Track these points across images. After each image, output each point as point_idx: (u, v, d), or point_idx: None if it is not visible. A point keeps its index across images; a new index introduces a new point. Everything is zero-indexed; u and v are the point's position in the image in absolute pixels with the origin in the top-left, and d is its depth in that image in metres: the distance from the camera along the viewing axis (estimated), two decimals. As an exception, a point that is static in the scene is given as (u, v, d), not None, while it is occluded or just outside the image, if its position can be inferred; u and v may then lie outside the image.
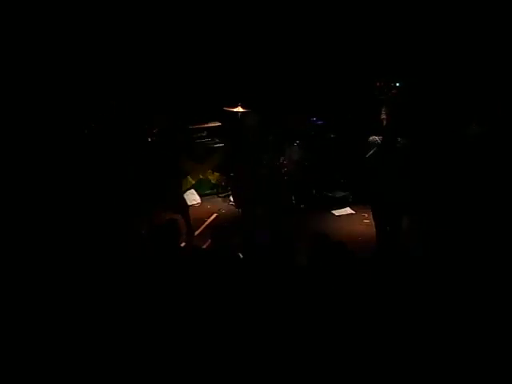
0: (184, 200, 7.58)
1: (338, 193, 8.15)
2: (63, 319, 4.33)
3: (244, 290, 4.32)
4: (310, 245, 4.83)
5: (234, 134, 8.07)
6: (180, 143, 7.72)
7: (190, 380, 3.92)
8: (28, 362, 4.08)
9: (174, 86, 8.37)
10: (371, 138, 5.71)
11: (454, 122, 6.95)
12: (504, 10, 7.28)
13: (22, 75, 7.69)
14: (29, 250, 5.60)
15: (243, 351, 3.93)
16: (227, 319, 4.12)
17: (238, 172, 7.69)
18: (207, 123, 8.60)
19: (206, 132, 8.50)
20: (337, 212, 7.86)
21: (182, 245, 6.35)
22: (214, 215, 8.01)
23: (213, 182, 8.60)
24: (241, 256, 4.88)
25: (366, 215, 7.37)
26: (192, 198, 8.33)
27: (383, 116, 5.82)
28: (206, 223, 7.74)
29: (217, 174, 8.57)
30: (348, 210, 7.90)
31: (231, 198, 8.29)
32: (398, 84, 7.24)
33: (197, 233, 7.36)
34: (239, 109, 7.69)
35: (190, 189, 8.38)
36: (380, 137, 5.67)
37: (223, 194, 8.54)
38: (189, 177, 8.39)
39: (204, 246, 6.58)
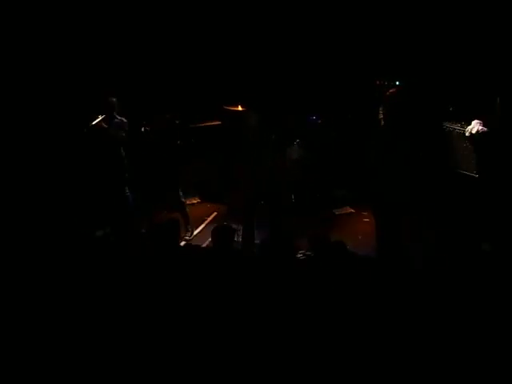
0: (182, 198, 7.58)
1: (337, 192, 8.17)
2: (63, 319, 4.33)
3: (244, 290, 4.32)
4: (310, 244, 4.85)
5: (234, 134, 8.06)
6: (179, 142, 7.71)
7: (190, 380, 3.92)
8: (28, 362, 4.08)
9: (174, 85, 8.36)
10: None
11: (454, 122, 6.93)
12: (504, 10, 7.26)
13: (22, 75, 7.70)
14: (28, 248, 5.59)
15: (243, 351, 3.94)
16: (227, 318, 4.13)
17: (238, 172, 7.68)
18: (207, 122, 8.61)
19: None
20: (337, 211, 7.88)
21: (182, 244, 6.37)
22: (214, 213, 8.01)
23: None
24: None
25: (366, 214, 7.39)
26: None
27: (381, 115, 5.81)
28: (206, 222, 7.75)
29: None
30: (348, 209, 7.92)
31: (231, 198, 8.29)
32: (397, 83, 7.24)
33: (196, 231, 7.37)
34: (239, 108, 7.69)
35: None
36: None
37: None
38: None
39: (204, 245, 6.59)
